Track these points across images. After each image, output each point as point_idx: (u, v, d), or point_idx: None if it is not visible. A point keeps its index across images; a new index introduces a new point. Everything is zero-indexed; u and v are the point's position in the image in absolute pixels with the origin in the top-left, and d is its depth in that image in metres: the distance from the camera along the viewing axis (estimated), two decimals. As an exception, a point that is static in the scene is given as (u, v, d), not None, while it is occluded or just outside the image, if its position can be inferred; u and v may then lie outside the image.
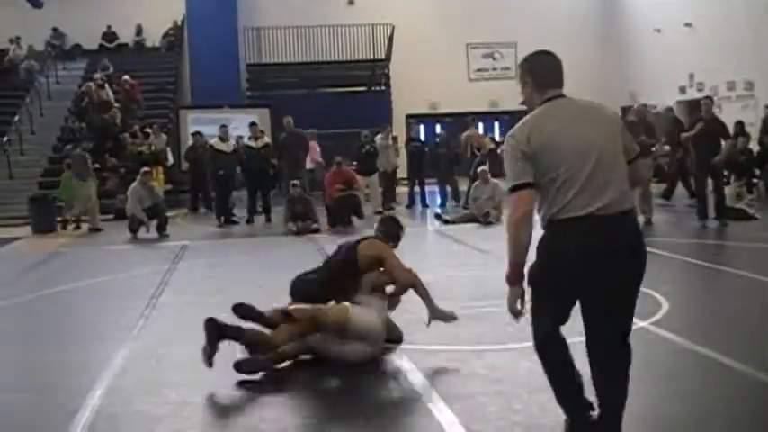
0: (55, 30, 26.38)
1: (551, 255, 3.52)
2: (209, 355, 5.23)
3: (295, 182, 14.43)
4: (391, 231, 6.22)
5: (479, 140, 18.58)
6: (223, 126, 16.44)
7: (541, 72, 3.67)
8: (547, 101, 3.62)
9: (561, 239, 3.50)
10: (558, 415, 4.20)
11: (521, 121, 3.63)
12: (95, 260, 11.78)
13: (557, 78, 3.68)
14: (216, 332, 5.28)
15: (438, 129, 19.97)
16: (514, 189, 3.52)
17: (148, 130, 20.56)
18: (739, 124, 18.57)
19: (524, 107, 3.75)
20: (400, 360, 5.46)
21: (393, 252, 5.93)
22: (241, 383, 5.14)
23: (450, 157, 18.11)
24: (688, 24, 23.82)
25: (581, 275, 3.49)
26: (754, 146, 18.32)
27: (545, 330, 3.65)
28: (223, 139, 16.02)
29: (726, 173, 15.21)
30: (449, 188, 18.10)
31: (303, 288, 5.88)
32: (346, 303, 5.59)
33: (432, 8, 27.84)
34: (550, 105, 3.60)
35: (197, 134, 18.79)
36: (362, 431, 4.31)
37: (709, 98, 13.35)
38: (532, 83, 3.66)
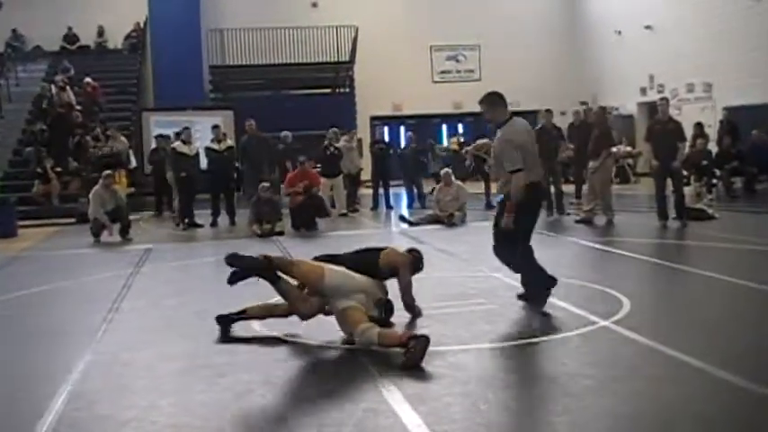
0: (14, 31, 26.05)
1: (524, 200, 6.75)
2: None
3: (265, 183, 14.41)
4: (420, 259, 6.95)
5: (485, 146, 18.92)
6: (186, 128, 16.17)
7: (505, 102, 7.04)
8: (509, 119, 6.98)
9: (529, 194, 6.73)
10: (522, 415, 4.24)
11: (510, 129, 6.92)
12: (58, 264, 11.65)
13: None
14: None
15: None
16: (515, 171, 6.70)
17: (109, 132, 20.35)
18: (698, 126, 18.86)
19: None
20: (365, 362, 5.48)
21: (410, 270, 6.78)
22: (207, 387, 5.13)
23: (417, 158, 18.24)
24: (648, 27, 24.14)
25: (536, 210, 7.09)
26: (712, 147, 18.60)
27: (527, 242, 6.96)
28: (185, 141, 15.81)
29: (686, 174, 15.37)
30: (415, 189, 18.19)
31: (333, 259, 6.53)
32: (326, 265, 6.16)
33: (395, 10, 27.93)
34: (512, 121, 6.99)
35: (160, 137, 18.63)
36: (328, 433, 4.32)
37: (665, 99, 13.43)
38: (504, 108, 7.00)
